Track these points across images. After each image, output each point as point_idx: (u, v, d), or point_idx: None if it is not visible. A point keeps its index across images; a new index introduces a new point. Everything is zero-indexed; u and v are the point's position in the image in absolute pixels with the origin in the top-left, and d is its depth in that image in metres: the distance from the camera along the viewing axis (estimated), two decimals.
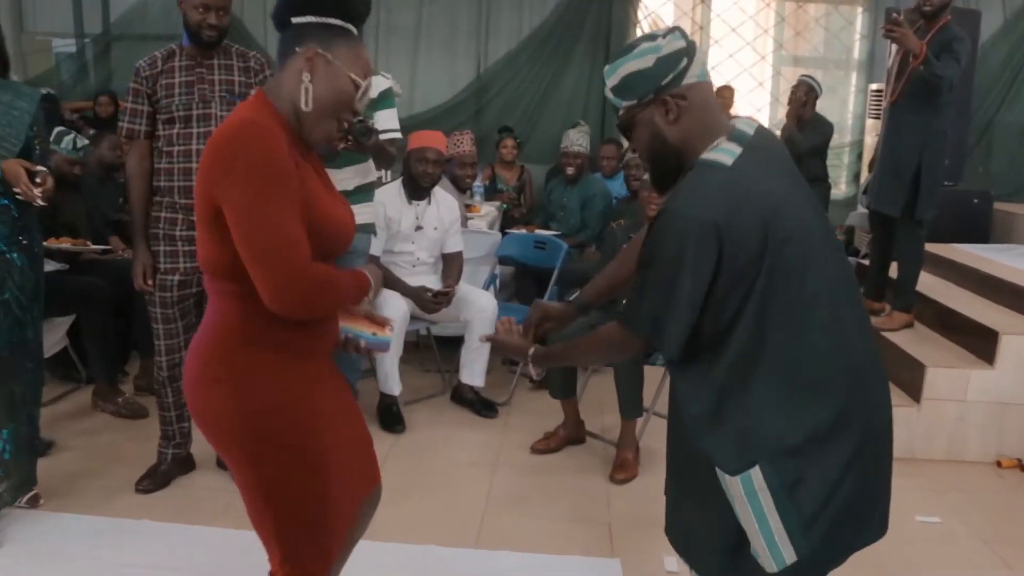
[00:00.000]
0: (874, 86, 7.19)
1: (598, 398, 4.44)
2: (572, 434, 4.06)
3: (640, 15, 7.61)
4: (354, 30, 1.78)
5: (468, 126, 6.48)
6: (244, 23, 7.36)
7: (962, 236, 6.04)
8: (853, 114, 7.66)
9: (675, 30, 1.79)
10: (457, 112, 7.37)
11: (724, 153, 1.74)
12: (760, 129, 1.84)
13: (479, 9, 7.47)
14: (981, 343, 4.13)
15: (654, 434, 4.02)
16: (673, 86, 1.75)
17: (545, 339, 2.24)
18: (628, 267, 2.07)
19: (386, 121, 3.61)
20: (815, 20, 7.64)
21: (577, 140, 5.86)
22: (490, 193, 6.55)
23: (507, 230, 5.90)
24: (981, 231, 6.54)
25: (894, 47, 5.69)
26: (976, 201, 6.52)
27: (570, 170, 5.87)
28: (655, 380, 3.99)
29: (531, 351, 2.05)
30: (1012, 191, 7.15)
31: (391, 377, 4.22)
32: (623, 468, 3.76)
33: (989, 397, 4.01)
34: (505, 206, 6.37)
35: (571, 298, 2.30)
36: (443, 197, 4.59)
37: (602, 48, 7.54)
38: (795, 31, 7.70)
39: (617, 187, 6.30)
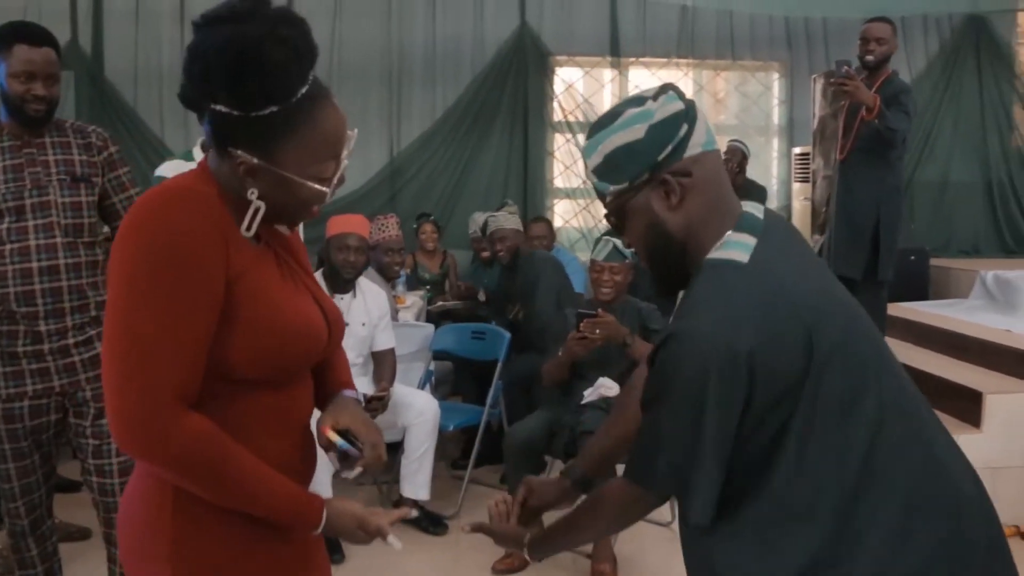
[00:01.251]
0: (797, 150, 7.10)
1: None
2: None
3: (556, 89, 7.39)
4: (303, 89, 1.27)
5: (384, 212, 6.08)
6: (138, 111, 6.88)
7: (903, 294, 5.90)
8: (778, 179, 7.55)
9: (668, 89, 1.40)
10: (371, 198, 6.96)
11: (736, 249, 1.35)
12: (769, 213, 1.46)
13: (390, 89, 7.13)
14: (965, 406, 3.88)
15: (629, 540, 3.60)
16: (673, 160, 1.36)
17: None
18: (630, 422, 1.61)
19: None
20: (733, 88, 7.55)
21: (507, 221, 5.41)
22: (412, 283, 6.16)
23: (428, 307, 5.50)
24: (920, 288, 6.44)
25: (818, 110, 5.64)
26: (913, 258, 6.42)
27: (502, 254, 5.44)
28: None
29: (527, 539, 1.65)
30: (937, 247, 7.10)
31: (324, 494, 3.69)
32: None
33: (979, 463, 3.68)
34: (428, 295, 5.98)
35: (567, 471, 1.84)
36: (369, 288, 4.15)
37: (520, 124, 7.27)
38: (714, 99, 7.59)
39: None
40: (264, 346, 1.26)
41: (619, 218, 1.45)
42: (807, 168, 6.41)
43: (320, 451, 1.52)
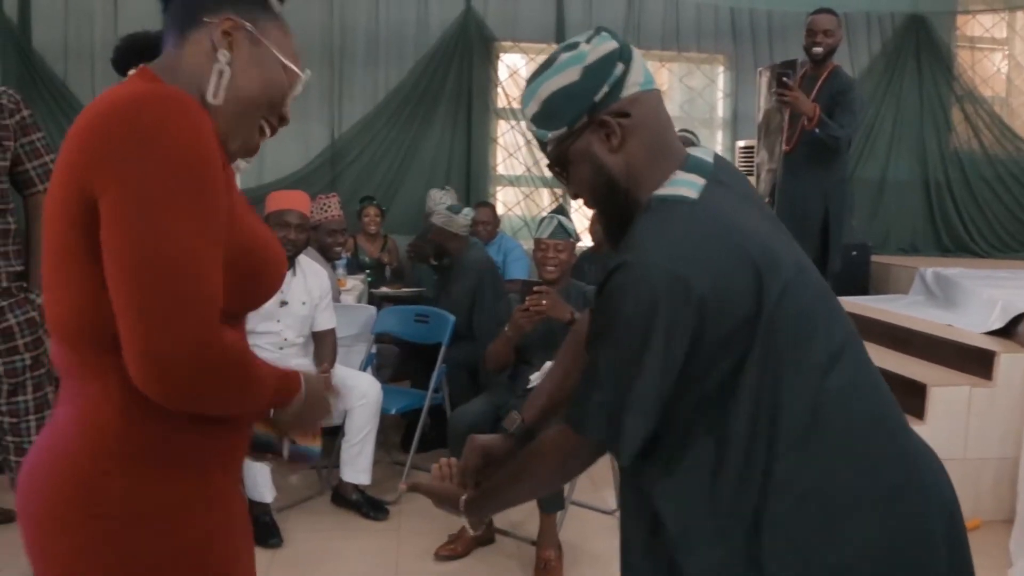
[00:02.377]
0: (741, 143, 7.12)
1: None
2: (480, 534, 3.49)
3: (501, 75, 7.29)
4: (280, 10, 1.26)
5: (325, 193, 5.93)
6: (68, 86, 6.59)
7: (845, 289, 5.94)
8: None
9: (601, 30, 1.36)
10: (311, 180, 6.76)
11: (684, 186, 1.31)
12: (718, 158, 1.42)
13: (332, 71, 6.95)
14: (908, 399, 3.87)
15: (574, 527, 3.53)
16: (610, 101, 1.32)
17: None
18: (574, 373, 1.56)
19: None
20: (678, 80, 7.54)
21: (442, 200, 5.39)
22: (353, 267, 6.01)
23: (371, 290, 5.38)
24: (862, 283, 6.50)
25: (763, 103, 5.65)
26: (855, 254, 6.47)
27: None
28: None
29: (463, 499, 1.55)
30: (877, 243, 7.18)
31: (261, 481, 3.56)
32: (547, 571, 3.24)
33: None
34: (370, 279, 5.84)
35: (509, 425, 1.73)
36: (310, 267, 4.01)
37: (464, 109, 7.14)
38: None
39: (494, 252, 5.86)
40: (243, 272, 1.15)
41: (561, 166, 1.40)
42: (751, 162, 6.43)
43: None
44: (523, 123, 7.18)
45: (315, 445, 1.42)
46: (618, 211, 1.38)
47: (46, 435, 1.18)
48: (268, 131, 1.26)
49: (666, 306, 1.21)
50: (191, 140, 1.04)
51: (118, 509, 1.11)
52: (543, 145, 1.40)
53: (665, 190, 1.32)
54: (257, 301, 1.24)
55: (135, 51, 1.25)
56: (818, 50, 4.50)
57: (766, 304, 1.24)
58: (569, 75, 1.33)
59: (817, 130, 4.30)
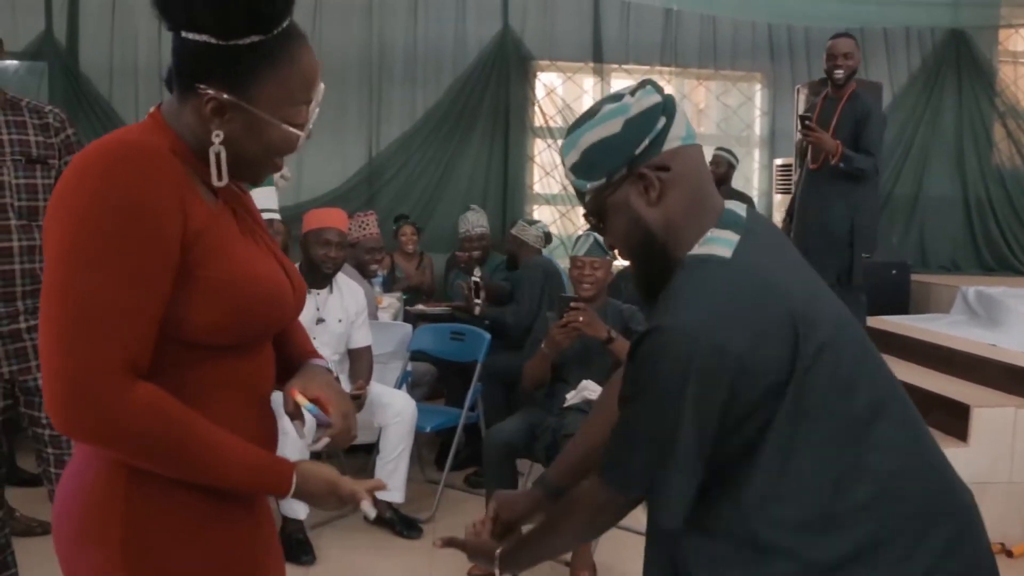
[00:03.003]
0: (779, 161, 7.07)
1: None
2: None
3: (538, 93, 7.32)
4: (280, 28, 1.19)
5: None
6: (113, 106, 6.72)
7: (884, 308, 5.87)
8: (759, 191, 7.50)
9: (646, 83, 1.36)
10: (349, 198, 6.82)
11: (719, 244, 1.31)
12: (751, 211, 1.42)
13: (369, 90, 7.02)
14: (951, 420, 3.82)
15: (609, 548, 3.51)
16: (651, 154, 1.32)
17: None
18: (606, 427, 1.49)
19: (264, 200, 3.16)
20: (715, 97, 7.51)
21: (478, 221, 5.46)
22: (389, 284, 6.04)
23: (406, 308, 5.41)
24: (901, 302, 6.40)
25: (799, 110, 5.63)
26: (895, 272, 6.39)
27: (477, 254, 5.43)
28: None
29: (498, 552, 1.58)
30: (916, 261, 7.09)
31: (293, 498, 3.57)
32: None
33: (966, 478, 3.62)
34: (406, 296, 5.86)
35: (539, 481, 1.76)
36: (347, 284, 4.04)
37: (501, 128, 7.18)
38: (696, 109, 7.55)
39: None
40: (227, 309, 1.16)
41: (598, 216, 1.41)
42: (789, 180, 6.40)
43: (286, 429, 1.43)
44: (559, 141, 7.27)
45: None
46: (653, 264, 1.39)
47: (74, 461, 1.22)
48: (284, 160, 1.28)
49: (698, 370, 1.22)
50: (119, 195, 1.06)
51: (139, 531, 1.15)
52: (581, 195, 1.41)
53: (700, 249, 1.33)
54: (254, 334, 1.25)
55: None
56: (839, 73, 4.56)
57: (798, 367, 1.23)
58: (611, 126, 1.33)
59: (842, 164, 4.39)
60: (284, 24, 1.18)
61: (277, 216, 3.22)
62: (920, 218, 7.46)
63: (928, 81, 7.43)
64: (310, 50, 1.23)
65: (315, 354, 1.48)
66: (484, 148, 7.19)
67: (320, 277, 3.88)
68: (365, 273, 4.79)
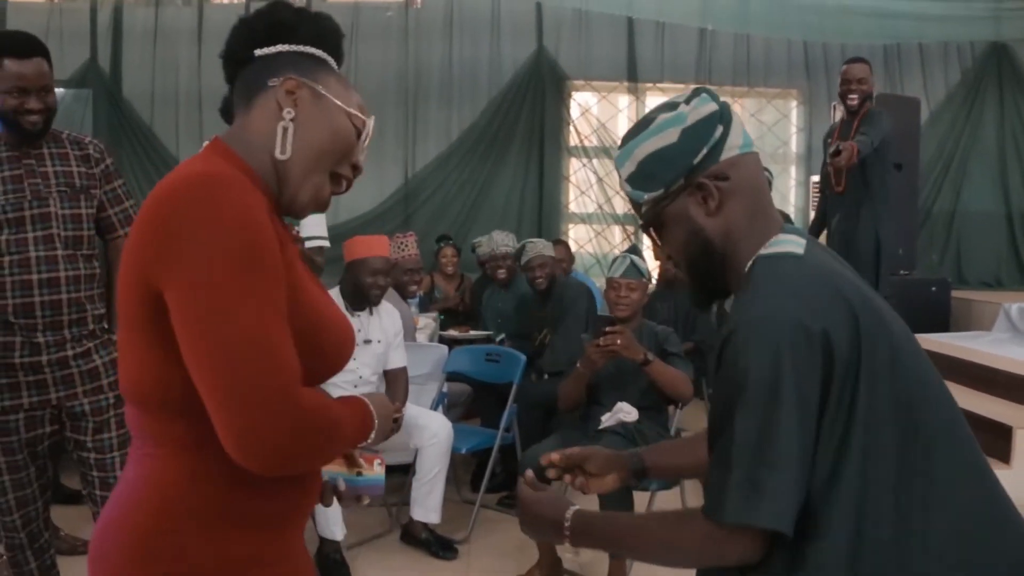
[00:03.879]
0: (815, 178, 6.99)
1: None
2: (549, 575, 3.49)
3: (573, 113, 7.35)
4: (337, 68, 1.32)
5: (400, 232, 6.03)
6: (154, 131, 6.87)
7: (924, 326, 5.79)
8: (795, 207, 7.48)
9: (700, 92, 1.34)
10: (385, 219, 6.92)
11: (790, 244, 1.29)
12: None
13: (406, 111, 7.12)
14: (993, 440, 3.77)
15: (644, 570, 3.49)
16: (708, 163, 1.30)
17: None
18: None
19: (313, 227, 3.21)
20: (750, 115, 7.49)
21: (503, 241, 5.34)
22: (426, 305, 6.07)
23: (440, 332, 5.41)
24: (942, 319, 6.31)
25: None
26: (934, 289, 6.31)
27: (501, 273, 5.39)
28: (642, 506, 3.47)
29: (569, 514, 1.39)
30: (956, 278, 7.00)
31: (332, 518, 3.61)
32: None
33: None
34: (442, 317, 5.88)
35: (630, 456, 1.70)
36: (385, 306, 4.08)
37: (536, 148, 7.23)
38: None
39: None
40: (307, 348, 1.15)
41: (656, 228, 1.39)
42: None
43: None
44: (594, 161, 7.31)
45: (377, 473, 1.42)
46: (711, 275, 1.37)
47: (117, 494, 1.22)
48: (344, 184, 1.31)
49: (790, 353, 1.16)
50: (241, 220, 1.08)
51: (182, 568, 1.15)
52: (637, 206, 1.39)
53: (771, 249, 1.30)
54: (320, 377, 1.24)
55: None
56: (852, 99, 4.75)
57: (864, 366, 1.18)
58: (667, 136, 1.31)
59: (859, 156, 4.51)
60: (338, 60, 1.33)
61: (327, 243, 3.28)
62: (960, 234, 7.37)
63: (968, 95, 7.37)
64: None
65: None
66: (520, 168, 7.25)
67: (361, 300, 3.92)
68: (404, 294, 4.81)
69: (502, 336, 5.29)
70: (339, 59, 1.32)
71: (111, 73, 6.93)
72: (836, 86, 7.08)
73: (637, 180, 1.35)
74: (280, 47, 1.26)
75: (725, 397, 1.22)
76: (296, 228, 2.91)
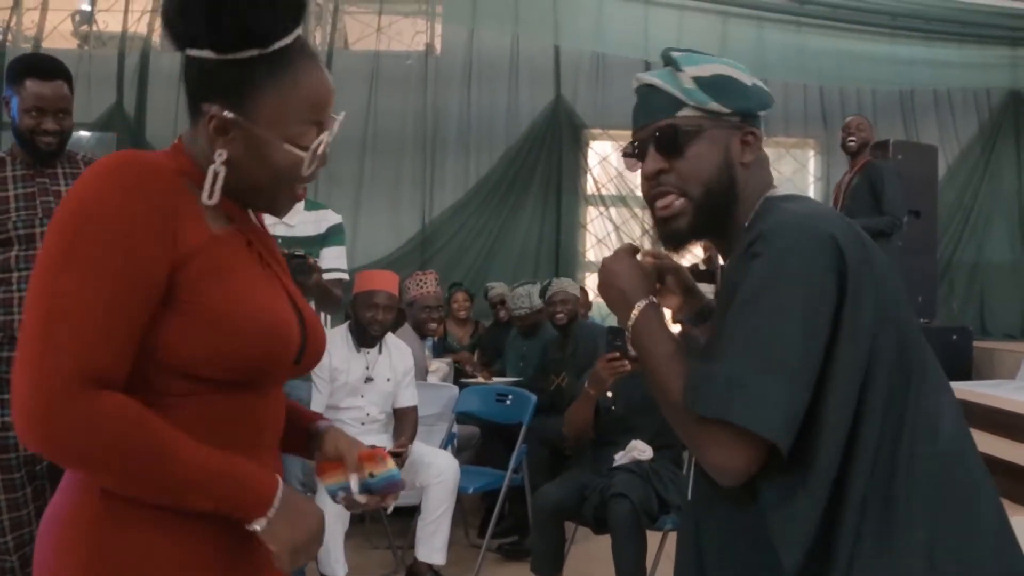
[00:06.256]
0: None
1: (583, 569, 3.80)
2: None
3: (590, 161, 7.38)
4: (285, 41, 1.17)
5: None
6: (147, 139, 6.95)
7: (946, 374, 5.69)
8: None
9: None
10: (402, 264, 6.91)
11: (795, 192, 1.33)
12: None
13: (424, 157, 7.18)
14: (1018, 487, 3.67)
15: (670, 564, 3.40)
16: (756, 124, 1.33)
17: None
18: None
19: (333, 260, 3.21)
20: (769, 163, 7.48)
21: (520, 302, 5.21)
22: (440, 351, 6.04)
23: (462, 379, 5.33)
24: (963, 368, 6.21)
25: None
26: (955, 338, 6.22)
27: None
28: (654, 545, 3.38)
29: (643, 303, 1.32)
30: (977, 328, 6.91)
31: (334, 556, 3.55)
32: None
33: None
34: (457, 365, 5.84)
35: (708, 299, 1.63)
36: (396, 344, 4.06)
37: (553, 195, 7.26)
38: None
39: None
40: (217, 339, 1.11)
41: (686, 135, 1.30)
42: None
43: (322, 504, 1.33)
44: (611, 209, 7.31)
45: (391, 469, 1.31)
46: (721, 207, 1.32)
47: (59, 488, 1.18)
48: (302, 189, 1.25)
49: (811, 257, 1.15)
50: (103, 206, 1.06)
51: (87, 554, 1.10)
52: (679, 104, 1.31)
53: (778, 192, 1.34)
54: (251, 369, 1.16)
55: None
56: (851, 144, 5.33)
57: (868, 279, 1.16)
58: (745, 77, 1.33)
59: None
60: (284, 41, 1.16)
61: (346, 276, 3.28)
62: (983, 286, 7.29)
63: (987, 144, 7.36)
64: (320, 70, 1.21)
65: (317, 416, 1.43)
66: (536, 215, 7.27)
67: (369, 337, 3.91)
68: (423, 331, 4.77)
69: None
70: (287, 22, 1.17)
71: (136, 117, 7.05)
72: None
73: (708, 86, 1.30)
74: (206, 53, 1.14)
75: (749, 287, 1.18)
76: (315, 260, 2.90)
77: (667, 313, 1.60)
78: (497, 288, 5.43)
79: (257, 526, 1.12)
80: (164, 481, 1.08)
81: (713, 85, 1.31)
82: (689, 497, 1.36)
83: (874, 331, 1.16)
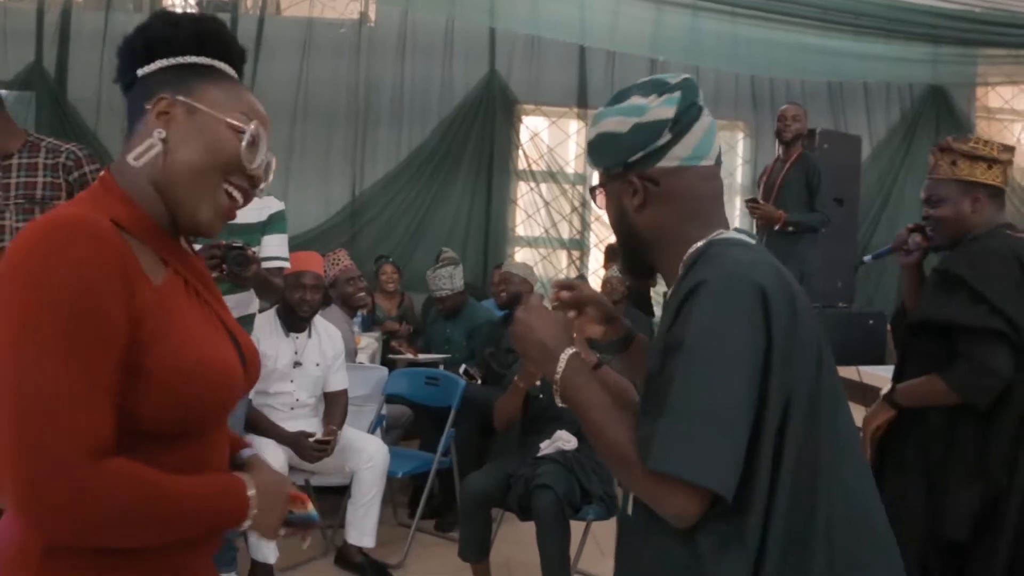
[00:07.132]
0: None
1: (504, 555, 3.88)
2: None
3: (522, 137, 7.39)
4: (228, 69, 1.27)
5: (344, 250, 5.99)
6: (99, 138, 6.75)
7: (859, 358, 5.88)
8: None
9: (677, 89, 1.35)
10: (331, 236, 6.86)
11: (741, 235, 1.34)
12: None
13: (355, 128, 7.09)
14: None
15: None
16: (643, 166, 1.33)
17: None
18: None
19: (274, 248, 3.19)
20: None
21: (442, 283, 5.18)
22: (368, 324, 6.02)
23: (390, 355, 5.37)
24: (877, 352, 6.43)
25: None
26: (871, 322, 6.42)
27: (439, 307, 5.34)
28: (577, 534, 3.47)
29: (567, 354, 1.34)
30: (893, 312, 7.12)
31: (264, 541, 3.56)
32: None
33: None
34: (385, 337, 5.84)
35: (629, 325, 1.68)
36: (325, 328, 4.05)
37: (484, 170, 7.25)
38: None
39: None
40: (173, 397, 1.12)
41: (595, 194, 1.46)
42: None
43: None
44: (542, 185, 7.35)
45: (310, 510, 1.36)
46: (637, 253, 1.42)
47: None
48: (238, 195, 1.24)
49: (743, 308, 1.19)
50: (52, 276, 1.03)
51: None
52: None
53: (725, 235, 1.32)
54: (202, 421, 1.19)
55: None
56: (787, 136, 5.31)
57: (798, 334, 1.21)
58: (622, 124, 1.34)
59: (790, 228, 5.09)
60: (236, 67, 1.28)
61: (287, 264, 3.26)
62: (898, 269, 7.49)
63: (907, 134, 7.57)
64: (250, 93, 1.28)
65: (242, 442, 1.43)
66: (467, 190, 7.26)
67: (298, 320, 3.90)
68: (353, 304, 4.81)
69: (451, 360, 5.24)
70: (229, 60, 1.27)
71: (56, 77, 6.79)
72: None
73: (592, 150, 1.42)
74: (159, 63, 1.22)
75: (671, 348, 1.22)
76: (254, 249, 2.86)
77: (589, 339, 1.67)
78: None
79: (245, 526, 1.19)
80: (168, 524, 1.10)
81: (595, 148, 1.40)
82: (629, 512, 1.38)
83: (794, 378, 1.21)
